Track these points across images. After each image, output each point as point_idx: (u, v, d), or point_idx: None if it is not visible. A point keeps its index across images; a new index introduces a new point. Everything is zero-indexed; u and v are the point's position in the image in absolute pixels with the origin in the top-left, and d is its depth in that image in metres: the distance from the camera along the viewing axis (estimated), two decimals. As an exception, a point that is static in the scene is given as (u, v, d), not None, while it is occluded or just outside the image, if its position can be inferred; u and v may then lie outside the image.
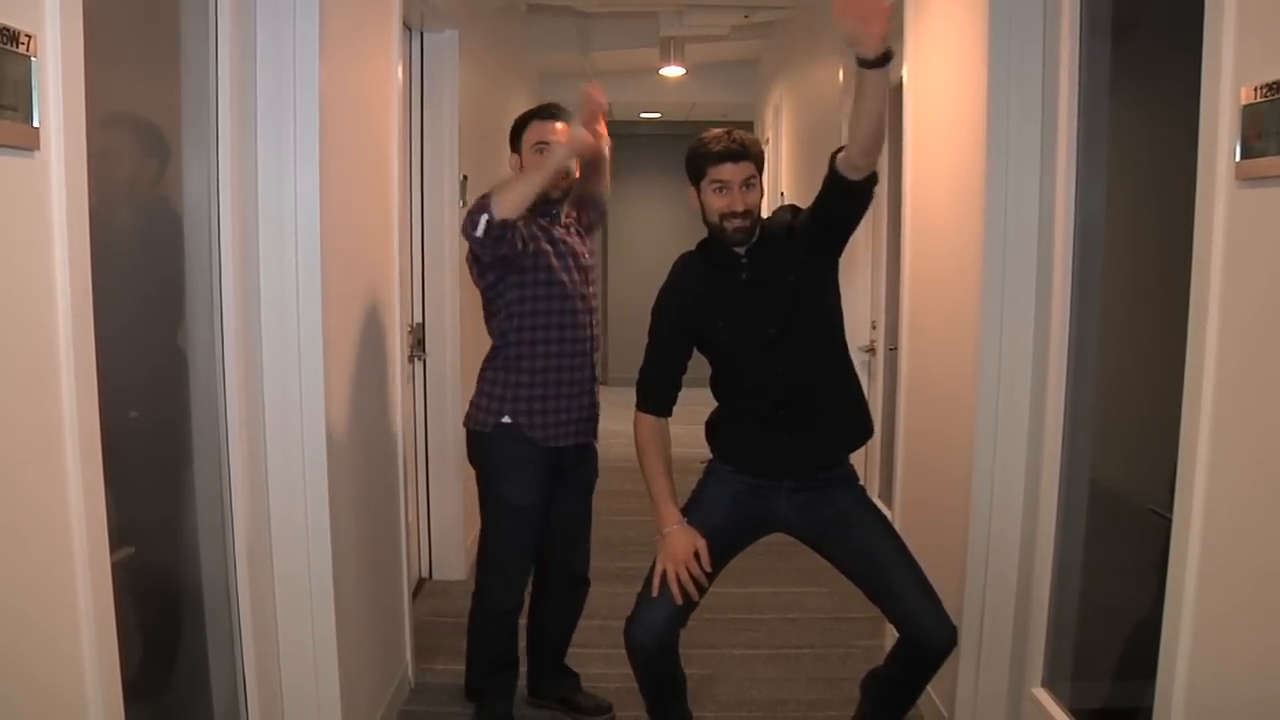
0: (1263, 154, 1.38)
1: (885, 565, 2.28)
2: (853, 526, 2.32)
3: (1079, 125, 2.33)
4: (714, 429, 2.44)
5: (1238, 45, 1.45)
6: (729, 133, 2.27)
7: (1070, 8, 2.31)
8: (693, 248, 2.44)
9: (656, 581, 2.26)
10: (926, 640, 2.23)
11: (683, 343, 2.39)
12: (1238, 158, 1.43)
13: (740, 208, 2.24)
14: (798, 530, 2.37)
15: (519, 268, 2.58)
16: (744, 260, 2.32)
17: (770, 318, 2.29)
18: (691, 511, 2.36)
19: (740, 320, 2.32)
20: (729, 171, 2.23)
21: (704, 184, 2.27)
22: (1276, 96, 1.35)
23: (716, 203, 2.26)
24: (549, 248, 2.62)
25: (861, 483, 2.46)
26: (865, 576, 2.31)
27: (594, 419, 2.75)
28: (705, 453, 2.46)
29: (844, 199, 2.18)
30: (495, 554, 2.70)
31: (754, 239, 2.30)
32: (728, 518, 2.35)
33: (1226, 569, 1.50)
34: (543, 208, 2.62)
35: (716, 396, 2.44)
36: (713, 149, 2.24)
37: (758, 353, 2.31)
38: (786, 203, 2.54)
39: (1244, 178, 1.43)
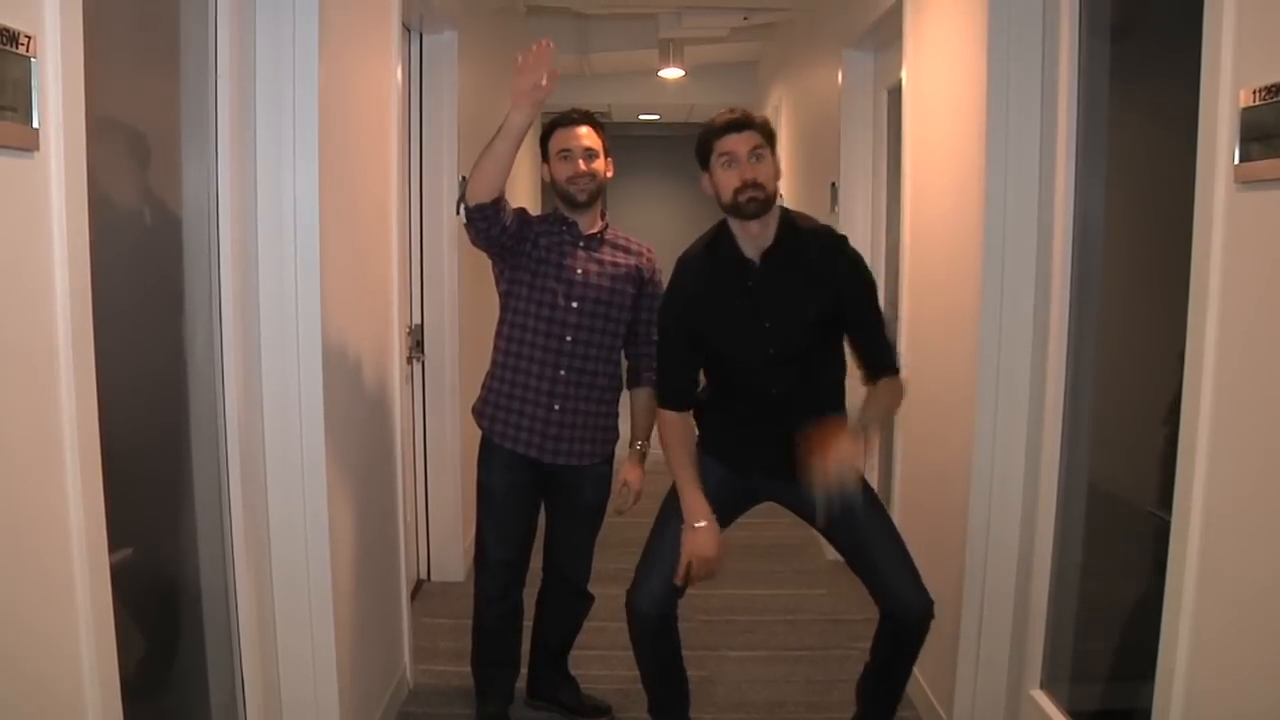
0: (1262, 157, 1.38)
1: (867, 535, 2.29)
2: None
3: (1078, 127, 2.33)
4: (700, 409, 2.45)
5: (1237, 48, 1.45)
6: (733, 109, 2.26)
7: (1069, 9, 2.31)
8: (696, 245, 2.40)
9: (681, 572, 2.29)
10: (905, 613, 2.25)
11: (689, 343, 2.39)
12: (1236, 160, 1.43)
13: (750, 177, 2.18)
14: (783, 497, 2.40)
15: (514, 266, 2.60)
16: (754, 266, 2.28)
17: (772, 339, 2.28)
18: None
19: (739, 335, 2.31)
20: (734, 142, 2.20)
21: (713, 161, 2.23)
22: (1275, 99, 1.35)
23: (726, 178, 2.21)
24: (553, 258, 2.61)
25: None
26: (847, 544, 2.34)
27: (565, 440, 2.64)
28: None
29: None
30: (477, 538, 2.76)
31: (769, 243, 2.27)
32: (716, 490, 2.38)
33: (1225, 570, 1.50)
34: (567, 209, 2.63)
35: (708, 377, 2.46)
36: (716, 123, 2.23)
37: (753, 370, 2.32)
38: (824, 223, 2.44)
39: (1243, 180, 1.43)
